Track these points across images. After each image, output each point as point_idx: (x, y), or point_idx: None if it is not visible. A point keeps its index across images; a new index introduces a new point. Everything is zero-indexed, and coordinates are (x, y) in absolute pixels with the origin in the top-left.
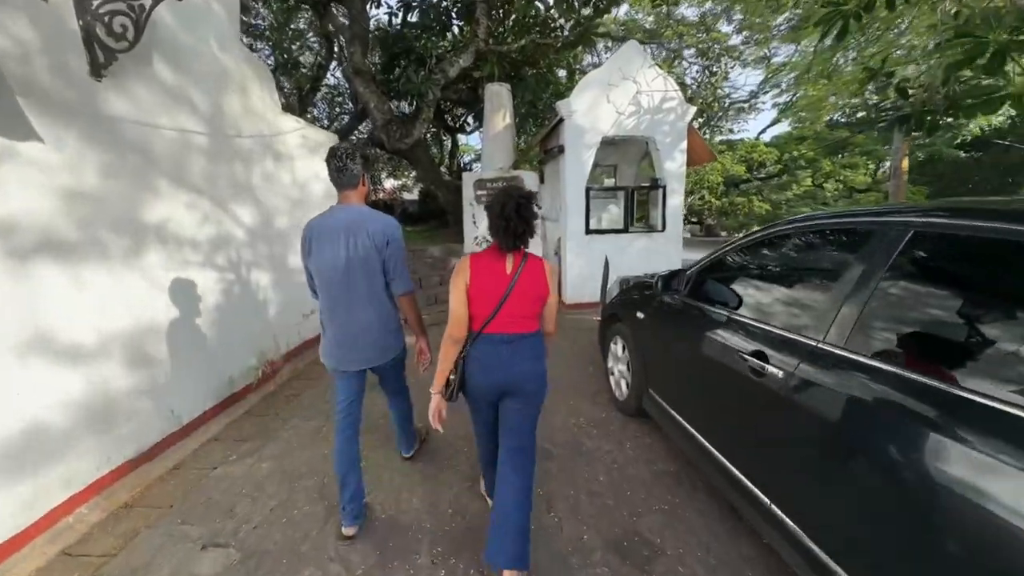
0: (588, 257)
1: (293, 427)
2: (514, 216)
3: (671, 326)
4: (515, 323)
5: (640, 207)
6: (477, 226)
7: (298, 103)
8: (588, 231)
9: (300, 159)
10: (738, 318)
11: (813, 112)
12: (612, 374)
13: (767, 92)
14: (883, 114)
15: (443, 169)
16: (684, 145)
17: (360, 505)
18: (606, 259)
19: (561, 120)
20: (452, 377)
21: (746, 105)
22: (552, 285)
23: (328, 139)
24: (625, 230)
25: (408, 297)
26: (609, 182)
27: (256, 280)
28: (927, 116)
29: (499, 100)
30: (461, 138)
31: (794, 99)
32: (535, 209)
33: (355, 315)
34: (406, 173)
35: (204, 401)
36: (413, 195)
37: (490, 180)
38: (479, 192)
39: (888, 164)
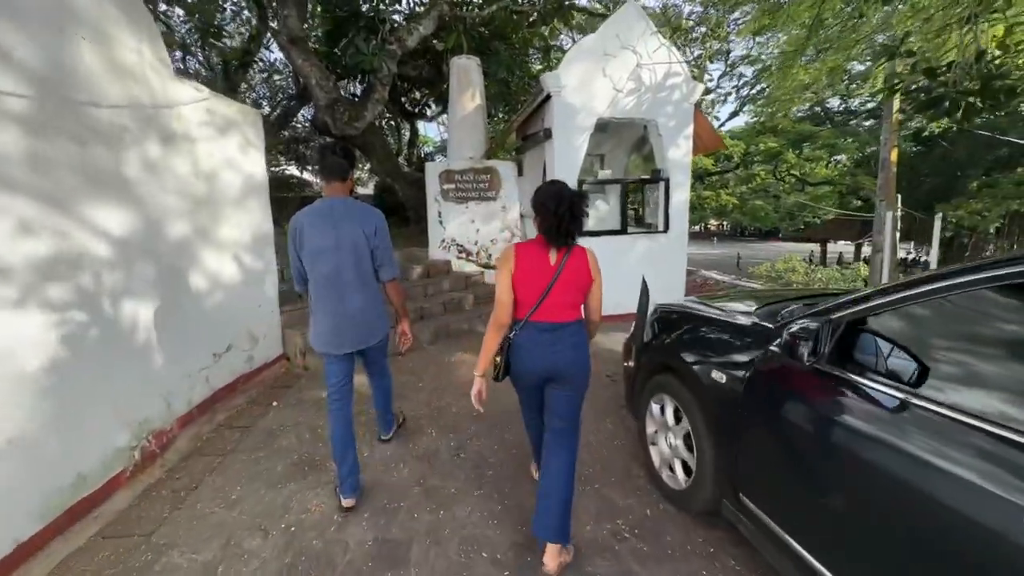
0: None
1: (168, 567)
2: (567, 216)
3: (803, 410)
4: (558, 312)
5: (634, 203)
6: (444, 227)
7: (224, 80)
8: (580, 233)
9: (205, 141)
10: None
11: (785, 103)
12: (653, 444)
13: (751, 84)
14: (908, 95)
15: (401, 160)
16: (690, 130)
17: (357, 478)
18: (643, 281)
19: (548, 97)
20: (499, 359)
21: (733, 94)
22: (595, 272)
23: (244, 115)
24: (623, 231)
25: (395, 282)
26: (605, 173)
27: (132, 316)
28: (963, 99)
29: (467, 76)
30: (421, 129)
31: (753, 91)
32: (585, 208)
33: (347, 300)
34: (361, 164)
35: (20, 528)
36: (369, 189)
37: (459, 172)
38: (446, 186)
39: (839, 158)
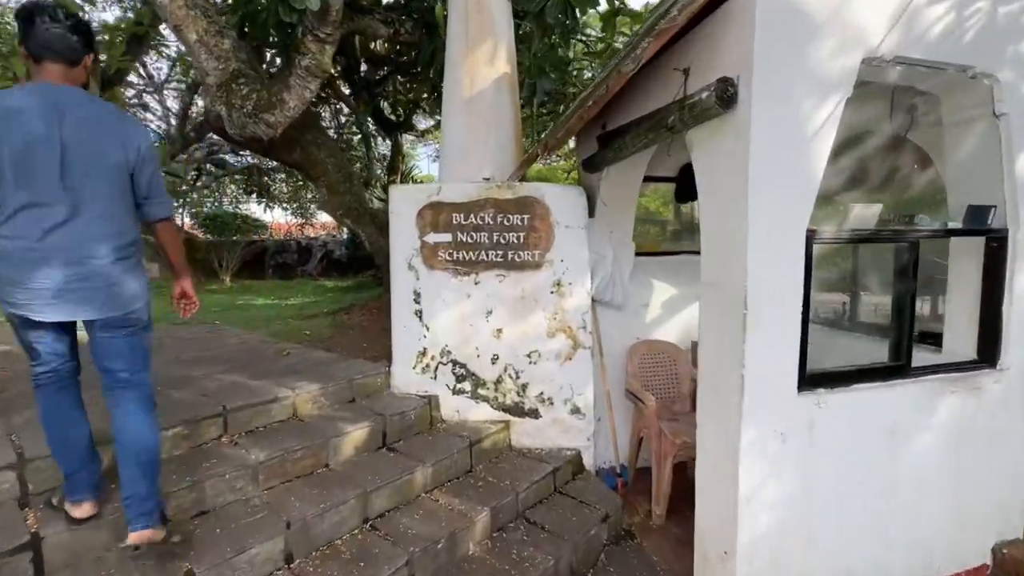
0: (811, 471)
1: None
2: None
3: None
4: None
5: (897, 282)
6: (427, 324)
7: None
8: (807, 378)
9: None
10: None
11: None
12: None
13: None
14: None
15: (376, 190)
16: None
17: (92, 473)
18: None
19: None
20: None
21: None
22: None
23: None
24: (905, 368)
25: (169, 224)
26: (868, 213)
27: None
28: None
29: (484, 16)
30: (422, 166)
31: None
32: None
33: (72, 235)
34: (309, 190)
35: None
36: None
37: (461, 206)
38: (433, 237)
39: None
